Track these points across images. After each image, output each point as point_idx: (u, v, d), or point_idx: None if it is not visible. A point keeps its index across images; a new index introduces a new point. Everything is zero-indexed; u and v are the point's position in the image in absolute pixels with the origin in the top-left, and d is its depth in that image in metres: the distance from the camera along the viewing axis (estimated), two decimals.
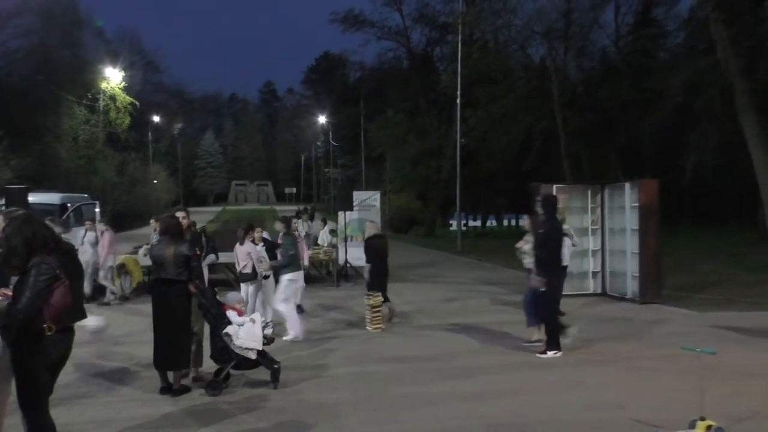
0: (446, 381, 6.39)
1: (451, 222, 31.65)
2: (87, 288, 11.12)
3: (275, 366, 6.22)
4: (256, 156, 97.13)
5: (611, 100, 28.50)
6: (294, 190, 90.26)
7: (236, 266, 9.03)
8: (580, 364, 6.95)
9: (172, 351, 5.99)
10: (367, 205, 15.93)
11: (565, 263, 9.63)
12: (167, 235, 6.21)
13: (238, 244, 8.79)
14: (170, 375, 6.07)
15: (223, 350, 6.09)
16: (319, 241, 15.42)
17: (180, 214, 7.01)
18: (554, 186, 12.38)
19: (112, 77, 39.21)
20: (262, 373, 6.25)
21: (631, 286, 11.19)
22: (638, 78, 28.85)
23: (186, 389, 6.07)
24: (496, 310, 10.74)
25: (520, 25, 29.41)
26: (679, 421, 4.82)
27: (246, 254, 8.75)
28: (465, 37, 27.34)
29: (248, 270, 8.77)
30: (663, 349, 7.54)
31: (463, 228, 28.80)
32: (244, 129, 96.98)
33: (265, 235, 9.85)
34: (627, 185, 11.45)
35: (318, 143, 71.06)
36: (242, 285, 8.85)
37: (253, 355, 6.09)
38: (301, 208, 34.82)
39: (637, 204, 10.95)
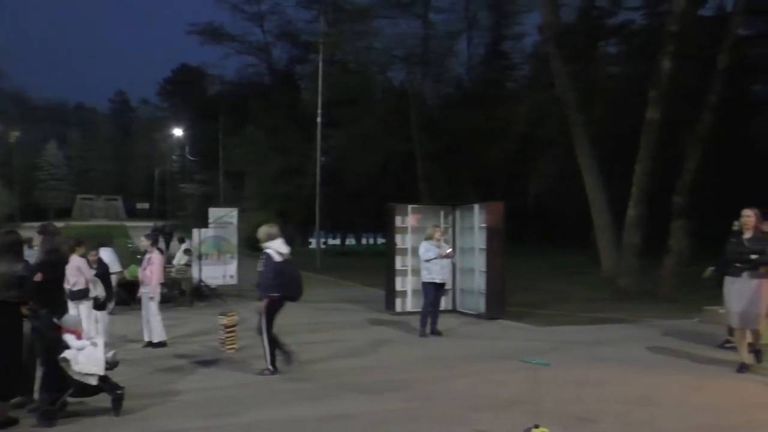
0: (302, 402, 6.35)
1: (310, 240, 31.58)
2: None
3: (118, 392, 5.87)
4: (105, 169, 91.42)
5: (465, 126, 30.01)
6: (147, 205, 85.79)
7: (65, 284, 8.15)
8: (429, 380, 7.19)
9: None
10: (224, 223, 15.53)
11: (439, 280, 10.05)
12: None
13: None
14: None
15: (59, 377, 5.65)
16: (173, 261, 14.80)
17: None
18: (409, 206, 12.84)
19: None
20: (105, 401, 5.87)
21: (479, 303, 11.78)
22: (489, 106, 30.63)
23: (13, 421, 5.56)
24: (354, 329, 10.85)
25: (380, 49, 30.33)
26: (517, 429, 5.13)
27: (75, 270, 8.09)
28: (327, 57, 27.68)
29: (80, 287, 8.13)
30: (505, 362, 8.00)
31: (323, 246, 28.86)
32: (92, 140, 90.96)
33: (108, 253, 9.27)
34: (476, 207, 12.09)
35: (174, 157, 68.36)
36: (72, 304, 8.04)
37: (94, 381, 5.70)
38: (159, 225, 33.13)
39: (484, 225, 11.60)
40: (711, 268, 9.08)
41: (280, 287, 7.29)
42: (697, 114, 16.69)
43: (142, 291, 9.19)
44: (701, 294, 9.41)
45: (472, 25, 34.16)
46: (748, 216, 7.35)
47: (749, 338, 7.44)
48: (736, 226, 8.54)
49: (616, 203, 17.03)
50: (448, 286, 11.27)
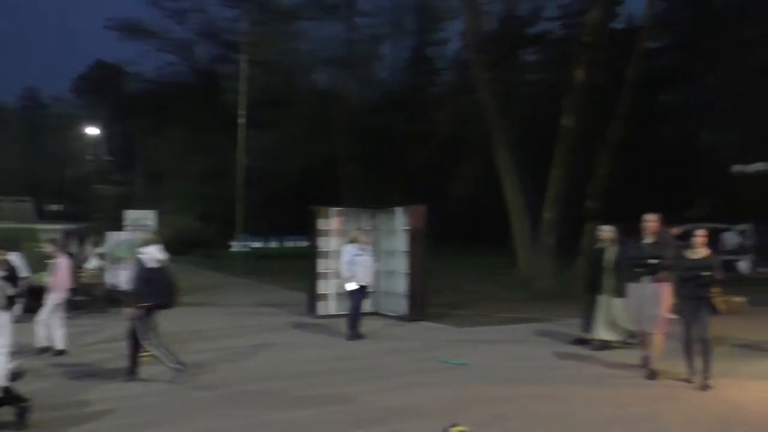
0: (218, 410, 6.23)
1: (232, 243, 31.04)
2: None
3: (24, 404, 5.59)
4: (14, 168, 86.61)
5: (390, 129, 30.26)
6: (60, 207, 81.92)
7: None
8: (350, 382, 7.23)
9: None
10: (141, 225, 15.06)
11: (363, 283, 10.08)
12: None
13: None
14: None
15: None
16: (86, 265, 14.19)
17: None
18: (332, 209, 12.84)
19: None
20: (9, 414, 5.57)
21: (401, 305, 11.91)
22: (414, 110, 31.02)
23: None
24: (275, 332, 10.74)
25: (305, 51, 30.16)
26: (436, 429, 5.22)
27: None
28: (250, 57, 27.26)
29: None
30: (425, 363, 8.15)
31: (246, 249, 28.42)
32: None
33: (15, 257, 8.82)
34: (398, 210, 12.20)
35: (88, 157, 65.60)
36: None
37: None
38: (72, 228, 31.56)
39: (406, 228, 11.73)
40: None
41: (153, 294, 7.15)
42: (609, 122, 17.50)
43: (49, 297, 8.81)
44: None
45: (397, 29, 34.46)
46: (651, 221, 7.34)
47: (646, 345, 7.37)
48: (603, 234, 8.91)
49: (535, 207, 17.59)
50: (371, 289, 11.31)
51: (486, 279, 19.51)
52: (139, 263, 7.25)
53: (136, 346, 7.32)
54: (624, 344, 8.70)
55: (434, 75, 38.07)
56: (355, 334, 9.95)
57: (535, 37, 28.66)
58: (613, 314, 8.66)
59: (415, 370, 7.82)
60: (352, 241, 10.34)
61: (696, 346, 6.94)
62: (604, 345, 8.80)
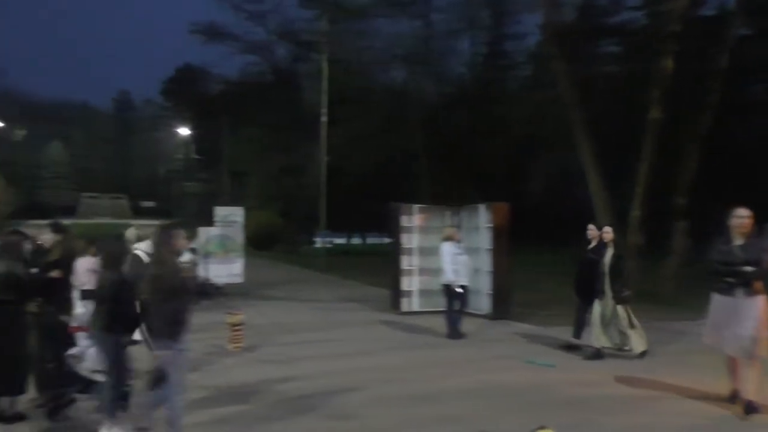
0: (304, 401, 6.44)
1: (315, 239, 31.64)
2: None
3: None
4: (110, 167, 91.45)
5: (467, 125, 30.05)
6: (152, 204, 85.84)
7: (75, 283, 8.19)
8: (433, 379, 7.29)
9: (4, 376, 5.60)
10: (230, 222, 15.66)
11: (465, 282, 10.02)
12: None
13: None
14: (3, 401, 5.67)
15: (67, 374, 5.75)
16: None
17: None
18: (415, 206, 12.92)
19: None
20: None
21: (485, 303, 11.82)
22: (492, 105, 30.65)
23: (20, 416, 5.67)
24: (356, 327, 10.93)
25: (381, 48, 30.36)
26: (522, 430, 5.20)
27: (86, 270, 8.19)
28: (328, 56, 27.74)
29: (90, 286, 8.24)
30: (509, 362, 8.10)
31: (328, 246, 28.93)
32: (96, 139, 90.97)
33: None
34: (481, 207, 12.11)
35: (178, 156, 68.47)
36: (81, 303, 8.18)
37: (102, 378, 5.79)
38: (161, 223, 32.97)
39: (489, 225, 11.66)
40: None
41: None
42: (697, 113, 16.73)
43: None
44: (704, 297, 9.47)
45: (473, 24, 34.11)
46: (744, 217, 5.85)
47: (750, 371, 5.88)
48: (603, 235, 8.27)
49: (616, 203, 17.04)
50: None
51: (562, 278, 18.99)
52: (136, 258, 7.30)
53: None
54: (618, 350, 8.31)
55: (512, 69, 37.45)
56: (456, 332, 9.82)
57: (617, 27, 27.70)
58: (608, 318, 8.24)
59: (501, 368, 7.78)
60: (448, 238, 10.20)
61: None
62: (598, 353, 8.26)
